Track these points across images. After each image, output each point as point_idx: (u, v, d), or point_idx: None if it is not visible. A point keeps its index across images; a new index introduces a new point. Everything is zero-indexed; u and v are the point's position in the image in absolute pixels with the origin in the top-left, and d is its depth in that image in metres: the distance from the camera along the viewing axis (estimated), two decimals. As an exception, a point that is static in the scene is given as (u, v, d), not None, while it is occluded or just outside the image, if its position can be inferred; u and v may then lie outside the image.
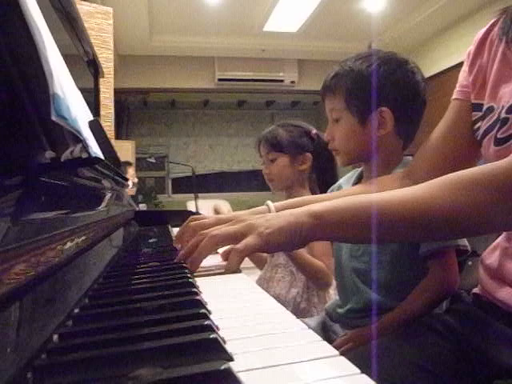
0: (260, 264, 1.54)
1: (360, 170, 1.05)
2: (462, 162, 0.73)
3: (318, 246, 1.28)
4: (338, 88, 0.96)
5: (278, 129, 1.47)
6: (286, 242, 0.59)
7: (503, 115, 0.66)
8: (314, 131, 1.47)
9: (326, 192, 1.15)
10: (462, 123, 0.77)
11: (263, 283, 1.44)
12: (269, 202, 0.87)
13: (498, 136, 0.66)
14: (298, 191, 1.45)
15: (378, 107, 0.91)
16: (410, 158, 0.94)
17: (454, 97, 0.80)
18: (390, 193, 0.60)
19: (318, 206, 0.60)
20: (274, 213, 0.82)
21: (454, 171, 0.58)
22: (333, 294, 1.38)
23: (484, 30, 0.76)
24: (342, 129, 0.96)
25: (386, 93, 0.91)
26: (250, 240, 0.58)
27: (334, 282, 1.38)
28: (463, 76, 0.79)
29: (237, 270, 0.62)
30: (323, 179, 1.45)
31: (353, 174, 1.08)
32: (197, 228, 0.73)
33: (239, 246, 0.58)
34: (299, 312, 1.34)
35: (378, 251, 0.92)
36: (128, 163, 3.95)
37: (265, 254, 1.51)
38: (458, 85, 0.80)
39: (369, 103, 0.91)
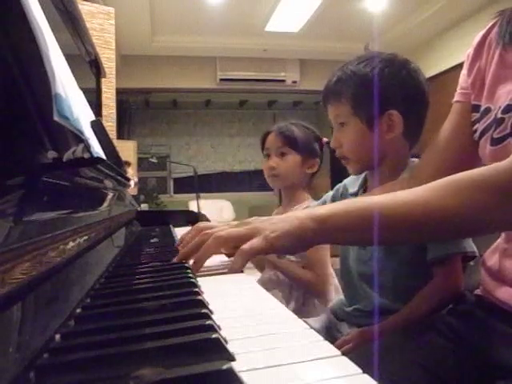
0: (260, 267, 1.53)
1: (365, 173, 1.01)
2: (467, 164, 0.72)
3: (312, 253, 1.23)
4: (342, 93, 0.93)
5: (292, 126, 1.44)
6: (290, 246, 0.59)
7: (499, 115, 0.66)
8: (325, 140, 1.45)
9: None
10: (464, 125, 0.77)
11: (265, 283, 1.44)
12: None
13: (494, 136, 0.66)
14: (299, 193, 1.44)
15: (386, 110, 0.89)
16: (416, 159, 0.93)
17: (455, 99, 0.80)
18: (392, 195, 0.60)
19: (321, 210, 0.61)
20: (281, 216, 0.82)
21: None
22: (333, 292, 1.37)
23: (482, 32, 0.76)
24: (350, 135, 0.94)
25: (393, 95, 0.89)
26: (255, 242, 0.58)
27: (336, 283, 1.38)
28: (463, 78, 0.79)
29: (239, 270, 0.62)
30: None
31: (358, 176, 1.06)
32: (203, 229, 0.72)
33: (245, 246, 0.58)
34: (304, 311, 1.33)
35: (384, 257, 0.91)
36: (126, 163, 3.95)
37: (268, 256, 1.50)
38: (458, 87, 0.80)
39: (377, 107, 0.89)
